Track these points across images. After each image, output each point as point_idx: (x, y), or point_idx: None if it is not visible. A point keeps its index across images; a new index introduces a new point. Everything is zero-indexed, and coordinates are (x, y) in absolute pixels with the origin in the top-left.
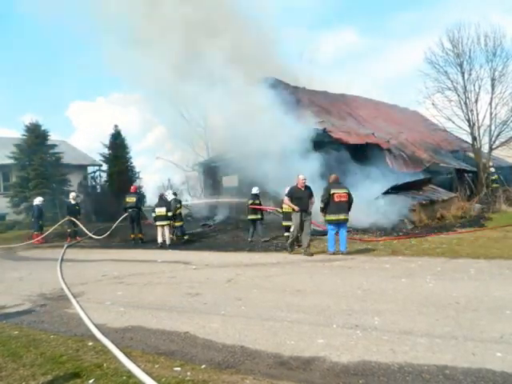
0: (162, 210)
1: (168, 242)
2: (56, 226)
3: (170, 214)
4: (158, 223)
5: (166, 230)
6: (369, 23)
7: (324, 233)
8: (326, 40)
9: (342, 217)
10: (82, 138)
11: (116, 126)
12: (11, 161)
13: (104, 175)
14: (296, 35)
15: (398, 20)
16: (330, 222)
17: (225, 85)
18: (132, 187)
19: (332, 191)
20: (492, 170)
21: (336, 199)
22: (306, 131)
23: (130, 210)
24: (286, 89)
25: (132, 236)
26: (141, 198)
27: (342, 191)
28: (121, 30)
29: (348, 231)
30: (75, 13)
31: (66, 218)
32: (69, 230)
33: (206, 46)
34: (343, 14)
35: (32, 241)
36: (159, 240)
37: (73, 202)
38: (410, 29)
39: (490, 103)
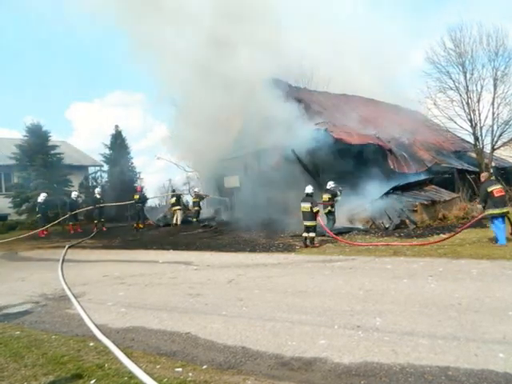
0: (173, 199)
1: (179, 222)
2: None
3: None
4: (173, 208)
5: (179, 213)
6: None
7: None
8: (326, 40)
9: None
10: (82, 138)
11: (117, 127)
12: (13, 161)
13: (105, 175)
14: (295, 35)
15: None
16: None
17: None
18: (138, 187)
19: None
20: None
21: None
22: (308, 131)
23: (136, 205)
24: (288, 89)
25: (135, 225)
26: (144, 196)
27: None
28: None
29: (348, 232)
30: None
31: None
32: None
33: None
34: None
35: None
36: (173, 222)
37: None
38: (409, 29)
39: (493, 103)
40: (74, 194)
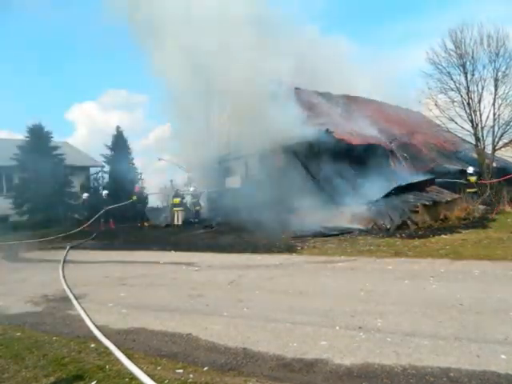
0: (177, 199)
1: (180, 223)
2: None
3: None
4: (175, 209)
5: (181, 214)
6: (368, 27)
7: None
8: (327, 42)
9: None
10: (82, 138)
11: (118, 127)
12: (14, 162)
13: (106, 176)
14: (294, 36)
15: (397, 23)
16: None
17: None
18: (136, 187)
19: None
20: (470, 170)
21: None
22: (310, 132)
23: (137, 205)
24: (289, 89)
25: (139, 224)
26: (142, 196)
27: None
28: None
29: (349, 233)
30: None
31: None
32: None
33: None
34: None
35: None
36: (175, 222)
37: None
38: (409, 31)
39: (494, 104)
40: (85, 196)
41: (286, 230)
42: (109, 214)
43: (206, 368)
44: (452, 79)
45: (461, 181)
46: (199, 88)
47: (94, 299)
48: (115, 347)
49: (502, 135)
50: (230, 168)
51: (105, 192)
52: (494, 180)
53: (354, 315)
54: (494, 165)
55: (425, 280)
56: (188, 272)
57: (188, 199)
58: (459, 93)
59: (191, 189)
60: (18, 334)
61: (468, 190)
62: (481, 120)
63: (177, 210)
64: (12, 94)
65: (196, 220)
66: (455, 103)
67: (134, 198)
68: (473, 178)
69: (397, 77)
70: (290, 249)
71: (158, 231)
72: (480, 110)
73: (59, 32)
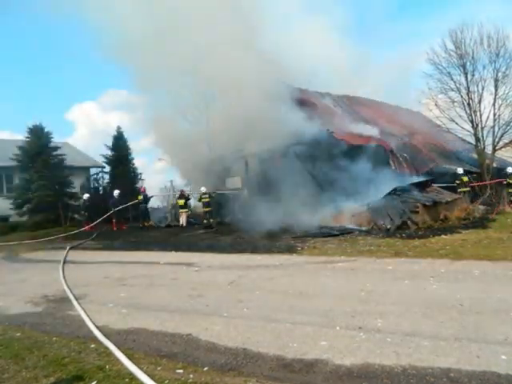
0: (181, 201)
1: (184, 224)
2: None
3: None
4: (180, 210)
5: (185, 215)
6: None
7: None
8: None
9: None
10: (82, 139)
11: (119, 128)
12: (14, 163)
13: (107, 177)
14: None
15: (397, 23)
16: None
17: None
18: (142, 188)
19: None
20: (460, 170)
21: None
22: (310, 132)
23: (140, 205)
24: (290, 90)
25: (141, 225)
26: (147, 196)
27: None
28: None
29: (349, 233)
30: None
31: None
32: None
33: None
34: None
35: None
36: (180, 223)
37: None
38: (409, 31)
39: (494, 104)
40: (85, 196)
41: (286, 230)
42: (120, 213)
43: (206, 368)
44: (452, 79)
45: (453, 184)
46: (198, 88)
47: (94, 299)
48: (115, 347)
49: (502, 135)
50: (230, 168)
51: (116, 192)
52: (487, 182)
53: (354, 315)
54: (494, 165)
55: (425, 280)
56: (188, 272)
57: (192, 200)
58: (459, 93)
59: (202, 189)
60: (18, 334)
61: (461, 190)
62: (481, 120)
63: (182, 212)
64: (12, 94)
65: (207, 221)
66: (455, 103)
67: (140, 197)
68: (465, 178)
69: (397, 77)
70: (290, 249)
71: (158, 231)
72: (480, 111)
73: (59, 32)
